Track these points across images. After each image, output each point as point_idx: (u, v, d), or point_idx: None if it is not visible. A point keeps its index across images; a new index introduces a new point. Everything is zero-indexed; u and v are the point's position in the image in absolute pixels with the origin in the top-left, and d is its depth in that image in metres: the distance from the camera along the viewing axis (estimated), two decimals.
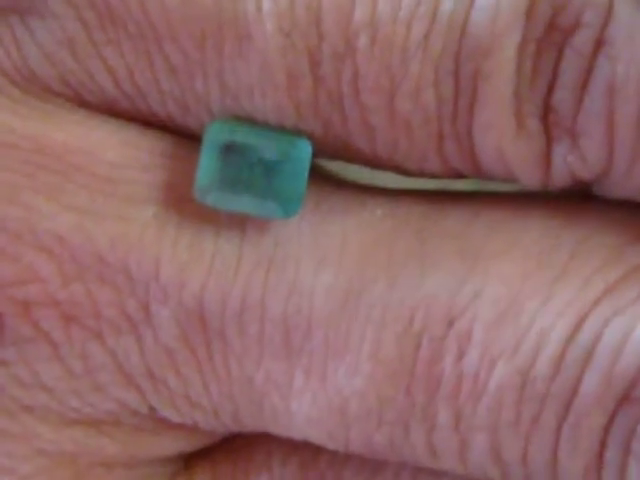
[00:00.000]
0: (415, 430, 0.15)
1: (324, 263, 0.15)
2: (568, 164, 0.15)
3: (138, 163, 0.15)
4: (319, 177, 0.16)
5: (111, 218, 0.15)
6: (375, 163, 0.16)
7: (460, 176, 0.16)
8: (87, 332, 0.16)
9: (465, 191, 0.16)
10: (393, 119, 0.15)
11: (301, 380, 0.15)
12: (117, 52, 0.15)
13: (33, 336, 0.16)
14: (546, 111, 0.14)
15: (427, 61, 0.14)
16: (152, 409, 0.16)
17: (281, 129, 0.15)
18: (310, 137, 0.15)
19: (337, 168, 0.16)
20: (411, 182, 0.16)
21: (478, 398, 0.15)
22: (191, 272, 0.15)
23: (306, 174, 0.15)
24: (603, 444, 0.14)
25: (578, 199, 0.15)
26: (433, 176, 0.16)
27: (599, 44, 0.14)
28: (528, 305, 0.15)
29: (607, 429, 0.14)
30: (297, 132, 0.15)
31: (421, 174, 0.16)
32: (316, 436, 0.16)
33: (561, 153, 0.15)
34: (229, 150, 0.15)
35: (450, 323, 0.15)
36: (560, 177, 0.15)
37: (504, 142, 0.15)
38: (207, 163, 0.15)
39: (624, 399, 0.14)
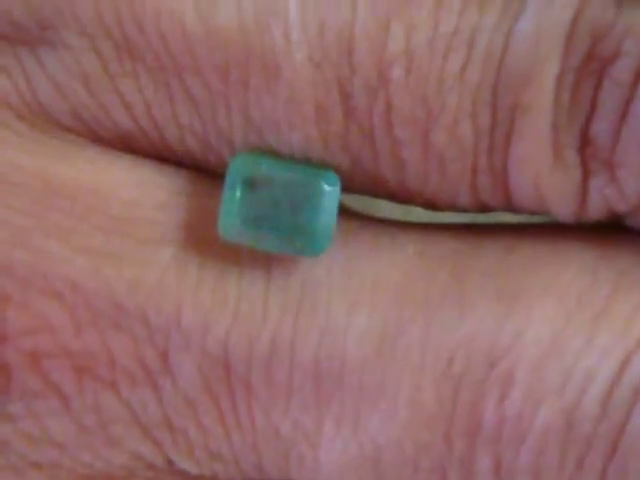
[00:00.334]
0: (453, 477, 0.15)
1: (357, 305, 0.14)
2: (605, 197, 0.14)
3: (154, 202, 0.15)
4: (344, 213, 0.15)
5: (128, 261, 0.14)
6: (403, 198, 0.15)
7: (488, 210, 0.15)
8: (100, 383, 0.15)
9: (495, 224, 0.15)
10: (427, 153, 0.14)
11: (331, 428, 0.15)
12: (134, 85, 0.14)
13: (42, 389, 0.15)
14: (584, 143, 0.14)
15: (464, 93, 0.14)
16: (169, 462, 0.15)
17: (307, 162, 0.14)
18: (337, 170, 0.15)
19: (359, 205, 0.16)
20: (438, 216, 0.15)
21: (521, 441, 0.14)
22: (215, 317, 0.14)
23: (335, 209, 0.14)
24: None
25: (612, 232, 0.15)
26: (461, 210, 0.15)
27: (639, 74, 0.14)
28: (572, 344, 0.14)
29: None
30: (324, 165, 0.14)
31: (449, 208, 0.15)
32: None
33: (598, 186, 0.14)
34: (254, 184, 0.14)
35: (492, 365, 0.14)
36: (595, 210, 0.15)
37: (540, 175, 0.14)
38: (231, 198, 0.14)
39: None
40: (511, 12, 0.14)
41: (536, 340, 0.14)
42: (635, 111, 0.14)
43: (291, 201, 0.14)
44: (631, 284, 0.14)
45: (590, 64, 0.14)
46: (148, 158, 0.15)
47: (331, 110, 0.14)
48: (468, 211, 0.15)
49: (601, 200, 0.14)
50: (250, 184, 0.14)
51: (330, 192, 0.14)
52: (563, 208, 0.15)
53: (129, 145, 0.15)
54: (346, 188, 0.15)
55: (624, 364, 0.14)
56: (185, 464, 0.15)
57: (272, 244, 0.14)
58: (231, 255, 0.15)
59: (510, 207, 0.15)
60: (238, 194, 0.14)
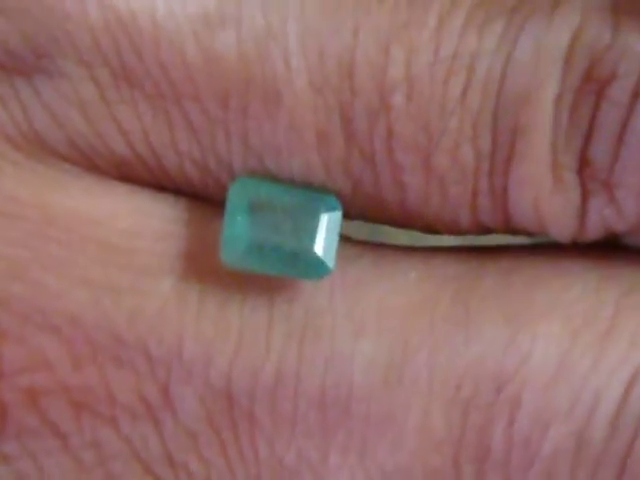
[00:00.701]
0: None
1: (362, 332, 0.14)
2: (604, 217, 0.14)
3: (152, 232, 0.14)
4: (344, 240, 0.15)
5: (127, 292, 0.14)
6: (403, 222, 0.15)
7: (488, 232, 0.15)
8: (99, 420, 0.14)
9: (496, 246, 0.15)
10: (428, 177, 0.14)
11: (337, 458, 0.14)
12: (132, 112, 0.14)
13: (39, 427, 0.14)
14: (582, 164, 0.14)
15: (465, 117, 0.14)
16: None
17: (308, 187, 0.14)
18: (338, 195, 0.14)
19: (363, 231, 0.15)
20: (441, 240, 0.15)
21: (530, 464, 0.14)
22: (218, 348, 0.14)
23: (337, 232, 0.14)
24: None
25: (613, 251, 0.15)
26: (460, 233, 0.15)
27: (636, 95, 0.14)
28: (579, 366, 0.14)
29: None
30: (324, 190, 0.14)
31: (450, 231, 0.15)
32: None
33: (597, 206, 0.14)
34: (255, 209, 0.14)
35: (499, 388, 0.14)
36: (594, 230, 0.15)
37: (540, 196, 0.14)
38: (232, 223, 0.14)
39: None
40: (510, 36, 0.14)
41: (543, 362, 0.14)
42: (633, 132, 0.14)
43: (293, 225, 0.14)
44: (634, 303, 0.14)
45: (588, 86, 0.14)
46: (145, 187, 0.15)
47: (332, 135, 0.14)
48: (468, 233, 0.15)
49: (600, 220, 0.14)
50: (251, 208, 0.14)
51: (331, 216, 0.14)
52: (562, 229, 0.15)
53: (126, 174, 0.14)
54: (347, 212, 0.15)
55: (631, 383, 0.14)
56: None
57: (275, 268, 0.14)
58: (232, 284, 0.14)
59: (509, 229, 0.15)
60: (239, 218, 0.14)
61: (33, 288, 0.14)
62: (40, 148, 0.14)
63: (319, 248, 0.14)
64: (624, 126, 0.14)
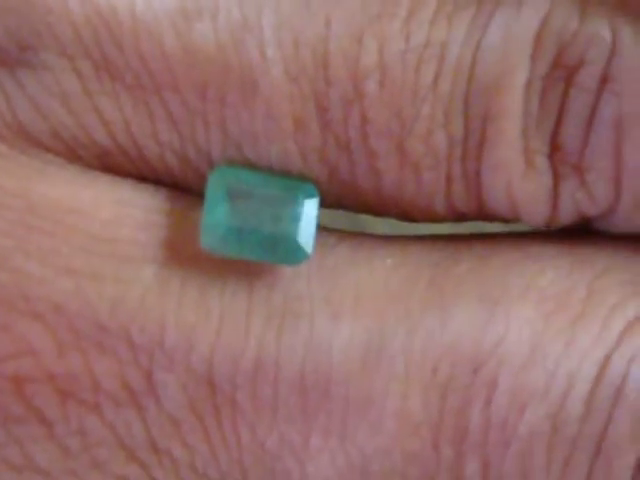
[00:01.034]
0: None
1: (339, 317, 0.15)
2: (576, 201, 0.15)
3: (134, 221, 0.15)
4: (322, 229, 0.15)
5: (110, 280, 0.14)
6: (379, 209, 0.15)
7: (462, 219, 0.15)
8: (84, 407, 0.15)
9: (471, 234, 0.16)
10: (402, 163, 0.15)
11: (318, 441, 0.15)
12: (113, 103, 0.14)
13: (25, 414, 0.14)
14: (553, 149, 0.14)
15: (437, 103, 0.14)
16: None
17: (286, 175, 0.15)
18: (315, 182, 0.15)
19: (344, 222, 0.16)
20: (412, 228, 0.16)
21: (507, 445, 0.14)
22: (199, 334, 0.14)
23: (315, 218, 0.15)
24: None
25: (585, 236, 0.15)
26: (435, 220, 0.15)
27: (604, 81, 0.14)
28: (552, 348, 0.14)
29: (639, 467, 0.14)
30: (302, 177, 0.15)
31: (425, 218, 0.15)
32: None
33: (569, 190, 0.15)
34: (234, 196, 0.14)
35: (475, 370, 0.14)
36: (566, 214, 0.15)
37: (513, 181, 0.15)
38: (212, 210, 0.14)
39: None
40: (479, 23, 0.14)
41: (517, 345, 0.14)
42: (601, 116, 0.14)
43: (271, 211, 0.14)
44: (606, 286, 0.15)
45: (556, 72, 0.14)
46: (127, 177, 0.15)
47: (308, 124, 0.14)
48: (444, 221, 0.15)
49: (572, 204, 0.15)
50: (230, 195, 0.14)
51: (310, 203, 0.14)
52: (535, 213, 0.15)
53: (108, 164, 0.15)
54: (325, 200, 0.15)
55: (604, 364, 0.14)
56: None
57: (254, 253, 0.14)
58: (213, 271, 0.15)
59: (484, 215, 0.15)
60: (219, 205, 0.14)
61: (17, 276, 0.14)
62: (24, 139, 0.14)
63: (297, 233, 0.14)
64: (593, 111, 0.14)
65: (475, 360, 0.14)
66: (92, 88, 0.14)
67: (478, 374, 0.14)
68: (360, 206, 0.15)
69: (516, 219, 0.15)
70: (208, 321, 0.14)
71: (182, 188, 0.15)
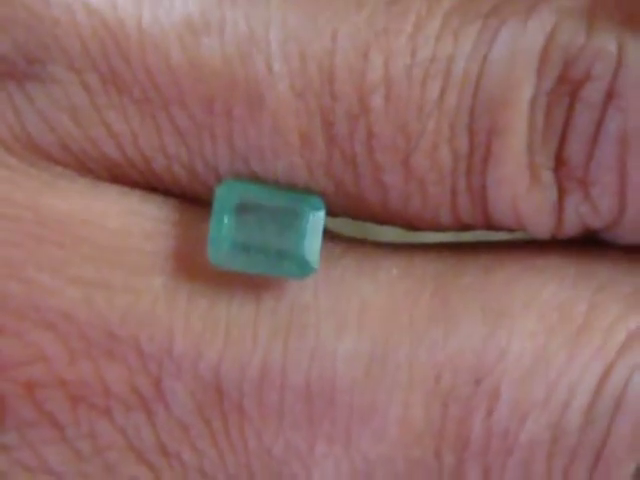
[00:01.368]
0: None
1: (345, 328, 0.15)
2: (580, 214, 0.15)
3: (143, 231, 0.15)
4: (328, 238, 0.15)
5: (119, 290, 0.15)
6: (385, 220, 0.15)
7: (468, 229, 0.16)
8: (95, 411, 0.15)
9: (476, 242, 0.16)
10: (407, 177, 0.15)
11: (323, 448, 0.15)
12: (121, 117, 0.15)
13: (37, 418, 0.15)
14: (558, 163, 0.15)
15: (442, 118, 0.14)
16: None
17: (292, 188, 0.15)
18: (321, 195, 0.15)
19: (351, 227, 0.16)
20: (417, 233, 0.16)
21: (508, 454, 0.15)
22: (207, 343, 0.15)
23: (321, 231, 0.15)
24: None
25: (589, 247, 0.16)
26: (442, 230, 0.16)
27: (609, 96, 0.14)
28: (554, 360, 0.14)
29: (637, 477, 0.14)
30: (308, 191, 0.15)
31: (431, 229, 0.15)
32: None
33: (573, 204, 0.15)
34: (241, 210, 0.14)
35: (477, 381, 0.15)
36: (571, 226, 0.15)
37: (518, 195, 0.15)
38: (219, 224, 0.14)
39: None
40: (486, 38, 0.14)
41: (520, 356, 0.15)
42: (606, 132, 0.14)
43: (278, 226, 0.14)
44: (609, 298, 0.15)
45: (562, 87, 0.14)
46: (136, 188, 0.15)
47: (314, 138, 0.14)
48: (450, 230, 0.16)
49: (576, 217, 0.15)
50: (237, 210, 0.14)
51: (315, 216, 0.15)
52: (540, 226, 0.15)
53: (117, 176, 0.15)
54: (331, 211, 0.15)
55: (605, 376, 0.14)
56: None
57: (260, 267, 0.15)
58: (220, 281, 0.15)
59: (490, 226, 0.15)
60: (226, 220, 0.14)
61: (28, 286, 0.14)
62: (33, 152, 0.15)
63: (304, 248, 0.14)
64: (598, 127, 0.14)
65: (478, 371, 0.15)
66: (100, 101, 0.14)
67: (480, 384, 0.15)
68: (366, 217, 0.15)
69: (522, 230, 0.15)
70: (216, 330, 0.15)
71: (191, 199, 0.15)
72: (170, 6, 0.14)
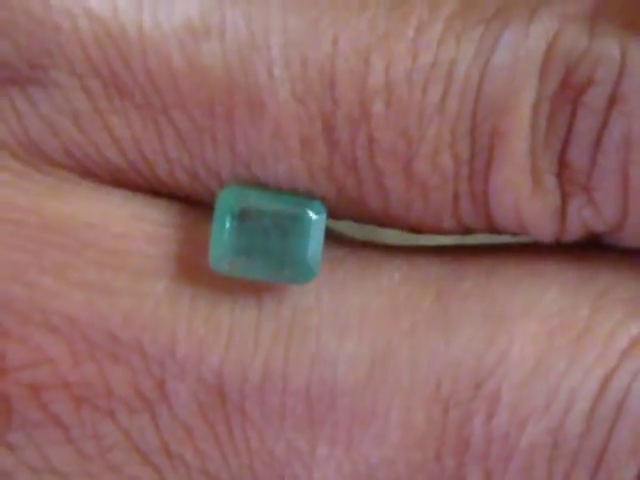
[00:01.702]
0: None
1: (346, 331, 0.15)
2: (583, 218, 0.15)
3: (146, 235, 0.15)
4: (331, 242, 0.15)
5: (122, 293, 0.15)
6: (387, 223, 0.15)
7: (471, 232, 0.16)
8: (99, 412, 0.15)
9: (478, 245, 0.16)
10: (409, 182, 0.15)
11: (325, 449, 0.15)
12: (123, 121, 0.15)
13: (42, 420, 0.15)
14: (561, 167, 0.15)
15: (444, 123, 0.14)
16: None
17: (294, 193, 0.15)
18: (323, 200, 0.15)
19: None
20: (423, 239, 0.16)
21: (509, 458, 0.15)
22: (209, 346, 0.15)
23: (322, 237, 0.15)
24: None
25: (591, 251, 0.15)
26: (444, 233, 0.16)
27: (612, 101, 0.14)
28: (555, 364, 0.14)
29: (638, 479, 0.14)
30: (310, 195, 0.15)
31: (434, 232, 0.15)
32: None
33: (576, 208, 0.15)
34: (242, 216, 0.15)
35: (478, 386, 0.15)
36: (574, 230, 0.15)
37: (520, 200, 0.15)
38: (220, 230, 0.15)
39: None
40: (488, 43, 0.14)
41: (520, 361, 0.15)
42: (609, 138, 0.14)
43: (279, 231, 0.15)
44: (611, 303, 0.15)
45: (565, 92, 0.14)
46: (139, 192, 0.15)
47: (315, 143, 0.14)
48: (452, 234, 0.16)
49: (579, 221, 0.15)
50: (238, 215, 0.14)
51: (317, 221, 0.15)
52: (543, 230, 0.15)
53: (120, 180, 0.15)
54: (333, 215, 0.15)
55: (606, 381, 0.14)
56: None
57: (262, 273, 0.15)
58: (223, 285, 0.15)
59: (493, 230, 0.15)
60: (227, 226, 0.14)
61: (32, 290, 0.15)
62: (37, 156, 0.15)
63: (305, 254, 0.14)
64: (601, 132, 0.14)
65: (478, 375, 0.15)
66: (102, 106, 0.14)
67: (481, 388, 0.15)
68: (368, 221, 0.15)
69: (525, 234, 0.15)
70: (218, 334, 0.15)
71: (194, 202, 0.15)
72: (171, 11, 0.14)
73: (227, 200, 0.14)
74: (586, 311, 0.15)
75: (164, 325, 0.15)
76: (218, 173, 0.15)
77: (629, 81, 0.14)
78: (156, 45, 0.14)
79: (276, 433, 0.15)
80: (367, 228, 0.16)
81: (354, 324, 0.15)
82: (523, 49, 0.14)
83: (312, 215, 0.15)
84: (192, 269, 0.15)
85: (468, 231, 0.15)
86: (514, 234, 0.16)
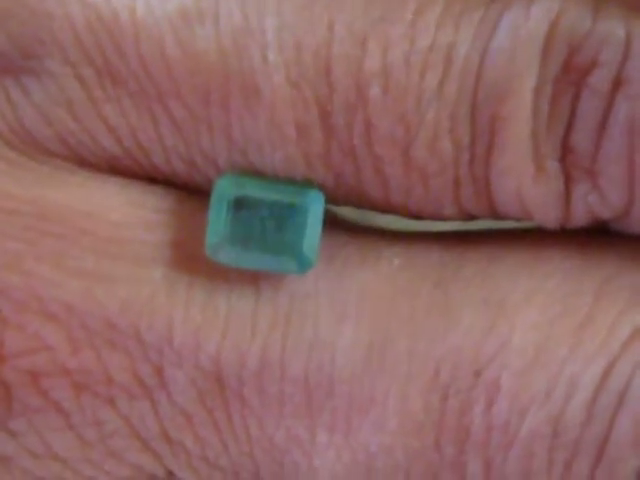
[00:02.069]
0: None
1: (344, 318, 0.15)
2: (588, 204, 0.14)
3: (144, 222, 0.15)
4: (331, 227, 0.15)
5: (119, 281, 0.15)
6: (388, 209, 0.15)
7: (473, 218, 0.15)
8: (99, 399, 0.15)
9: (480, 231, 0.16)
10: (408, 168, 0.14)
11: (324, 437, 0.15)
12: (118, 110, 0.14)
13: (43, 406, 0.15)
14: (565, 152, 0.14)
15: (443, 108, 0.14)
16: (170, 473, 0.16)
17: (291, 181, 0.15)
18: (321, 187, 0.15)
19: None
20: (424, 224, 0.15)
21: (509, 447, 0.14)
22: (206, 333, 0.15)
23: (320, 226, 0.14)
24: None
25: (596, 237, 0.15)
26: (446, 220, 0.15)
27: (617, 83, 0.14)
28: (556, 352, 0.14)
29: None
30: (308, 183, 0.15)
31: (435, 219, 0.15)
32: None
33: (581, 193, 0.14)
34: (239, 205, 0.14)
35: (477, 373, 0.14)
36: (579, 216, 0.15)
37: (522, 185, 0.14)
38: (217, 219, 0.14)
39: None
40: (487, 25, 0.14)
41: (521, 348, 0.14)
42: (615, 121, 0.14)
43: (276, 220, 0.14)
44: (615, 291, 0.14)
45: (568, 75, 0.14)
46: (136, 179, 0.15)
47: (311, 129, 0.14)
48: (455, 220, 0.15)
49: (584, 207, 0.14)
50: (235, 205, 0.14)
51: (314, 211, 0.14)
52: (547, 216, 0.15)
53: (116, 168, 0.15)
54: (332, 201, 0.15)
55: (608, 370, 0.14)
56: (185, 474, 0.16)
57: (258, 263, 0.14)
58: (220, 272, 0.15)
59: (495, 215, 0.15)
60: (223, 215, 0.14)
61: (29, 278, 0.15)
62: (32, 146, 0.15)
63: (302, 243, 0.14)
64: (606, 115, 0.14)
65: (477, 363, 0.14)
66: (96, 95, 0.14)
67: (480, 376, 0.14)
68: (368, 207, 0.15)
69: (529, 219, 0.15)
70: (215, 321, 0.15)
71: (192, 189, 0.15)
72: None
73: (223, 189, 0.14)
74: (589, 299, 0.14)
75: (161, 312, 0.15)
76: (215, 161, 0.15)
77: (634, 63, 0.14)
78: (149, 31, 0.14)
79: (275, 420, 0.15)
80: (368, 213, 0.16)
81: (352, 311, 0.15)
82: (524, 31, 0.14)
83: (309, 205, 0.14)
84: (189, 256, 0.15)
85: (470, 217, 0.15)
86: (518, 220, 0.15)
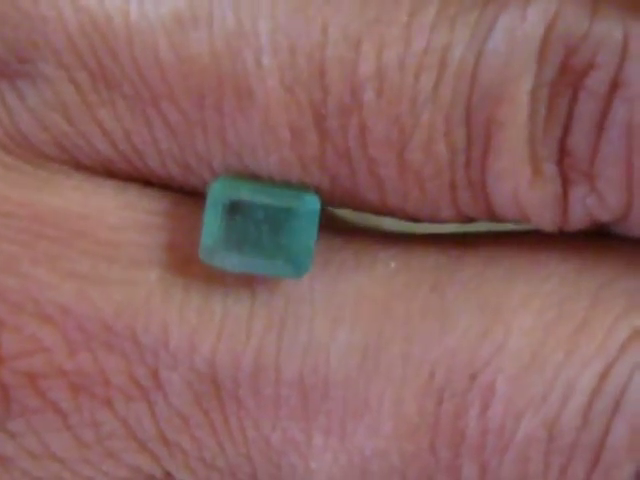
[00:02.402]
0: None
1: (339, 321, 0.15)
2: (586, 207, 0.14)
3: (139, 225, 0.15)
4: (327, 230, 0.15)
5: (115, 284, 0.15)
6: (385, 212, 0.15)
7: (471, 220, 0.15)
8: (96, 400, 0.15)
9: (477, 233, 0.15)
10: (403, 171, 0.14)
11: (320, 440, 0.15)
12: (112, 113, 0.14)
13: (41, 407, 0.15)
14: (562, 155, 0.14)
15: (437, 111, 0.14)
16: (167, 474, 0.16)
17: (287, 184, 0.15)
18: (317, 190, 0.15)
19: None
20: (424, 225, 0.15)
21: (504, 451, 0.14)
22: (201, 336, 0.15)
23: (315, 230, 0.14)
24: None
25: (594, 241, 0.15)
26: (444, 222, 0.15)
27: (615, 85, 0.14)
28: (552, 357, 0.14)
29: (637, 478, 0.14)
30: (303, 186, 0.15)
31: (432, 221, 0.15)
32: None
33: (579, 196, 0.14)
34: (234, 208, 0.14)
35: (473, 377, 0.14)
36: (577, 220, 0.15)
37: (519, 188, 0.14)
38: (212, 223, 0.14)
39: None
40: (483, 27, 0.14)
41: (517, 352, 0.14)
42: (612, 123, 0.14)
43: (271, 224, 0.14)
44: (612, 295, 0.14)
45: (565, 77, 0.14)
46: (131, 182, 0.15)
47: (306, 132, 0.14)
48: (452, 222, 0.15)
49: (582, 210, 0.14)
50: (229, 209, 0.14)
51: (309, 216, 0.14)
52: (544, 218, 0.15)
53: (112, 171, 0.15)
54: (328, 204, 0.15)
55: (604, 375, 0.14)
56: (183, 475, 0.16)
57: (253, 267, 0.14)
58: (216, 274, 0.15)
59: (493, 218, 0.15)
60: (218, 219, 0.14)
61: (25, 281, 0.15)
62: (28, 150, 0.15)
63: (297, 248, 0.14)
64: (603, 117, 0.14)
65: (473, 366, 0.14)
66: (90, 99, 0.14)
67: (476, 380, 0.14)
68: (364, 209, 0.15)
69: (527, 222, 0.15)
70: (210, 323, 0.15)
71: (188, 192, 0.15)
72: (157, 0, 0.14)
73: (218, 193, 0.14)
74: (586, 303, 0.14)
75: (156, 315, 0.15)
76: (210, 163, 0.15)
77: (632, 65, 0.13)
78: (142, 34, 0.14)
79: (271, 422, 0.15)
80: (365, 215, 0.16)
81: (347, 314, 0.15)
82: (520, 33, 0.14)
83: (304, 209, 0.14)
84: (185, 259, 0.15)
85: (468, 219, 0.15)
86: (516, 222, 0.15)
